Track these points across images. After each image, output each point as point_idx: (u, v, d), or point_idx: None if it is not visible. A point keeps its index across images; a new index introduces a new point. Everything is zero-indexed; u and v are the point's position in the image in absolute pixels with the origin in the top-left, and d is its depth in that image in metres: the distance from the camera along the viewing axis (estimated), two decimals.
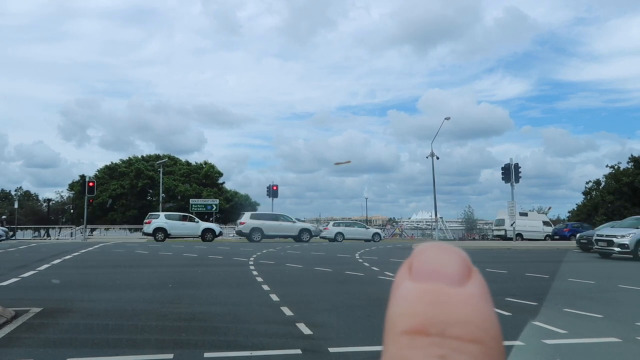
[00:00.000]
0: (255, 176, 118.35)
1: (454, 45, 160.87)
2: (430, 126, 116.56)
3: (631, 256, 17.22)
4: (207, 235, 28.31)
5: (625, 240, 17.31)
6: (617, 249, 17.50)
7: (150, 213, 31.15)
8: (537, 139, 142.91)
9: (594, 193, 50.61)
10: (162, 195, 42.85)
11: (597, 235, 19.47)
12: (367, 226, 38.06)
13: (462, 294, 0.26)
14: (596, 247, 18.68)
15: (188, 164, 58.18)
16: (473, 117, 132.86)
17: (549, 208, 55.14)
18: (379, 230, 38.06)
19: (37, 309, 6.67)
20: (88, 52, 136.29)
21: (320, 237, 33.49)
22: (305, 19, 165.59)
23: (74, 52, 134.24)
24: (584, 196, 52.46)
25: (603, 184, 50.16)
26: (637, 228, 17.92)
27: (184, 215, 29.82)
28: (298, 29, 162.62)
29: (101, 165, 59.21)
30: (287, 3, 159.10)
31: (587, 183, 52.78)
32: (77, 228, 39.99)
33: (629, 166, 48.24)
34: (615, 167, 49.38)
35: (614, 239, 17.75)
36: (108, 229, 49.86)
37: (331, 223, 36.43)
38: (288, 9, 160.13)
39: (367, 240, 33.56)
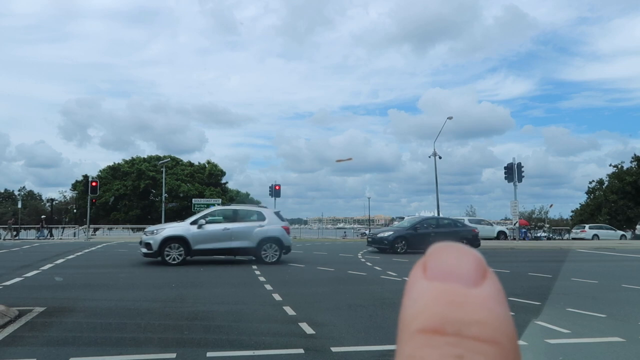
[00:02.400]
0: (256, 175, 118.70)
1: (453, 44, 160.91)
2: (431, 125, 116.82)
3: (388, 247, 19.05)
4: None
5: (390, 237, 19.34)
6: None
7: None
8: (539, 138, 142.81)
9: (597, 192, 50.43)
10: (164, 195, 42.87)
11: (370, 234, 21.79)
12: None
13: (478, 294, 0.26)
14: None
15: (191, 164, 58.27)
16: (474, 117, 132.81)
17: (551, 205, 54.93)
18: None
19: (41, 308, 6.69)
20: (92, 52, 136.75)
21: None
22: (303, 17, 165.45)
23: (78, 52, 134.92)
24: (587, 195, 52.31)
25: (606, 183, 49.98)
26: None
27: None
28: (296, 27, 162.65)
29: (103, 165, 59.44)
30: (285, 2, 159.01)
31: (590, 182, 52.62)
32: (80, 228, 40.09)
33: (632, 165, 48.08)
34: (619, 166, 49.22)
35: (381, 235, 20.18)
36: (111, 228, 49.99)
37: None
38: (286, 8, 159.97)
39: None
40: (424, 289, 0.27)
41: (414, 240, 19.29)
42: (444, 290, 0.26)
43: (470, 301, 0.26)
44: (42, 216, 40.13)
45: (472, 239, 20.10)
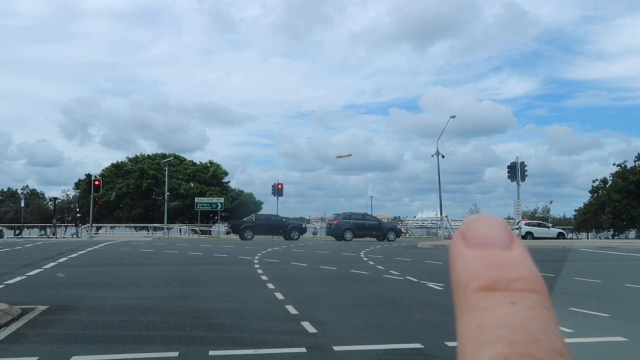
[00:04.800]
0: (258, 175, 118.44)
1: (453, 42, 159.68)
2: (433, 124, 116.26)
3: None
4: None
5: None
6: None
7: None
8: (541, 137, 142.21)
9: (600, 192, 50.25)
10: (166, 194, 42.94)
11: None
12: None
13: (513, 255, 0.34)
14: None
15: (193, 163, 58.32)
16: (475, 115, 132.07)
17: (551, 202, 55.04)
18: None
19: (43, 307, 6.71)
20: (96, 52, 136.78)
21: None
22: (302, 16, 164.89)
23: (82, 52, 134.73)
24: (590, 195, 52.12)
25: (610, 182, 49.80)
26: None
27: None
28: (295, 26, 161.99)
29: (105, 163, 59.42)
30: (283, 0, 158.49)
31: (593, 182, 52.39)
32: (83, 226, 40.23)
33: (636, 164, 47.90)
34: (622, 165, 49.03)
35: None
36: (114, 227, 50.11)
37: None
38: (284, 7, 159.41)
39: None
40: (470, 256, 0.33)
41: None
42: (487, 255, 0.33)
43: (510, 262, 0.33)
44: (78, 215, 41.25)
45: None
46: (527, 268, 0.33)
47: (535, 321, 0.32)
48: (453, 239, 0.36)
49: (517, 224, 32.35)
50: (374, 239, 31.44)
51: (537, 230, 36.04)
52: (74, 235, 37.97)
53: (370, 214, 37.45)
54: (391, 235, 31.62)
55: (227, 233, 35.38)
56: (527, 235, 34.77)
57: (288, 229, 32.95)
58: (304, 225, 36.22)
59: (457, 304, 0.33)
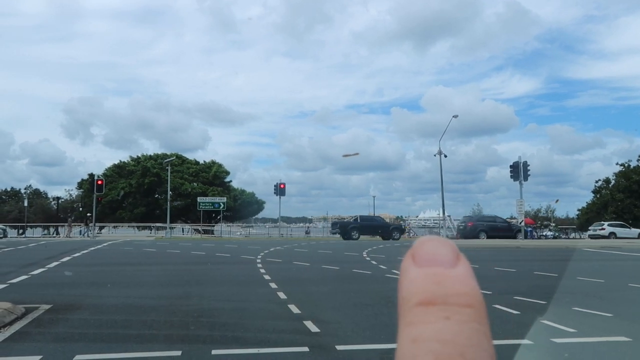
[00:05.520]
0: (260, 174, 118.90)
1: (455, 41, 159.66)
2: (434, 123, 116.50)
3: None
4: None
5: None
6: None
7: None
8: (544, 136, 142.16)
9: (603, 191, 50.13)
10: (169, 193, 43.00)
11: None
12: None
13: (455, 273, 0.36)
14: None
15: (196, 162, 58.35)
16: (477, 115, 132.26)
17: (557, 201, 54.97)
18: None
19: (47, 306, 6.73)
20: (98, 52, 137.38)
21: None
22: (303, 15, 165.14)
23: (84, 52, 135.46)
24: (593, 194, 51.99)
25: (613, 182, 49.68)
26: None
27: None
28: (296, 26, 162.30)
29: (107, 163, 59.46)
30: (283, 0, 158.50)
31: (596, 182, 52.31)
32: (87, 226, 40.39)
33: (639, 164, 47.78)
34: (625, 164, 48.90)
35: None
36: (116, 226, 50.21)
37: None
38: (285, 6, 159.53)
39: None
40: (416, 273, 0.36)
41: None
42: (431, 273, 0.36)
43: (451, 279, 0.35)
44: (88, 214, 41.69)
45: None
46: (467, 285, 0.35)
47: (465, 336, 0.33)
48: (404, 258, 0.38)
49: (520, 223, 32.31)
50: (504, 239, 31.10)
51: (619, 231, 36.94)
52: (84, 234, 38.47)
53: (500, 216, 37.31)
54: (520, 237, 31.69)
55: (333, 233, 36.75)
56: (611, 236, 35.86)
57: (390, 229, 34.28)
58: (403, 226, 38.36)
59: (399, 318, 0.35)
